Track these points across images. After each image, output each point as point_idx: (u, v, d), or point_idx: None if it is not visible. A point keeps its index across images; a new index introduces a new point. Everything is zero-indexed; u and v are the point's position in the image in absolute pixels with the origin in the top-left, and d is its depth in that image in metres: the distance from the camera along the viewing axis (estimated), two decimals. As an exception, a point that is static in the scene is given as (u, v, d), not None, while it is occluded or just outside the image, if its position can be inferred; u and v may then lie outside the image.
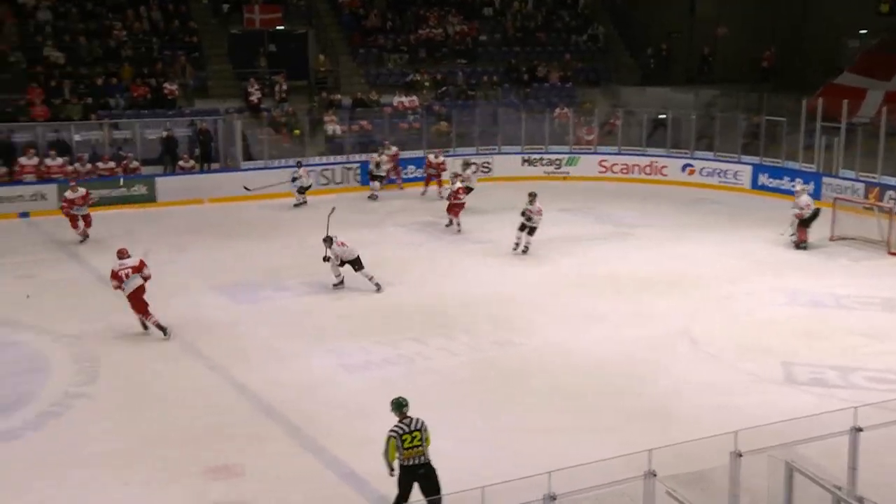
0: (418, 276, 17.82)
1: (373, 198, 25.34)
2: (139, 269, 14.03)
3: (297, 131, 27.69)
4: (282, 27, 30.77)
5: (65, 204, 20.59)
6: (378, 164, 25.86)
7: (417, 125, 29.04)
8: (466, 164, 25.09)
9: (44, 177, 23.99)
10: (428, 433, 8.62)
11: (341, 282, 16.65)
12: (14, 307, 15.55)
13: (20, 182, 23.73)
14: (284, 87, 29.02)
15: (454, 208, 21.64)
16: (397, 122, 29.05)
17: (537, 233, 19.14)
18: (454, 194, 21.69)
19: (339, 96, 29.42)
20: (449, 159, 26.46)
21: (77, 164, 24.44)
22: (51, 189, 23.61)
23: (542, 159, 28.99)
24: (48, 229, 21.66)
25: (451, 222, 21.82)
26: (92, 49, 27.72)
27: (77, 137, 25.35)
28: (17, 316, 15.02)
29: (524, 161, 28.98)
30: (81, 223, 20.46)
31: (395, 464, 8.55)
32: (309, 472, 10.01)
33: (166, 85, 27.46)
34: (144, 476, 9.86)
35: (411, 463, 8.47)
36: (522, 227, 19.06)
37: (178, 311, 15.34)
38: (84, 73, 27.04)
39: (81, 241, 20.35)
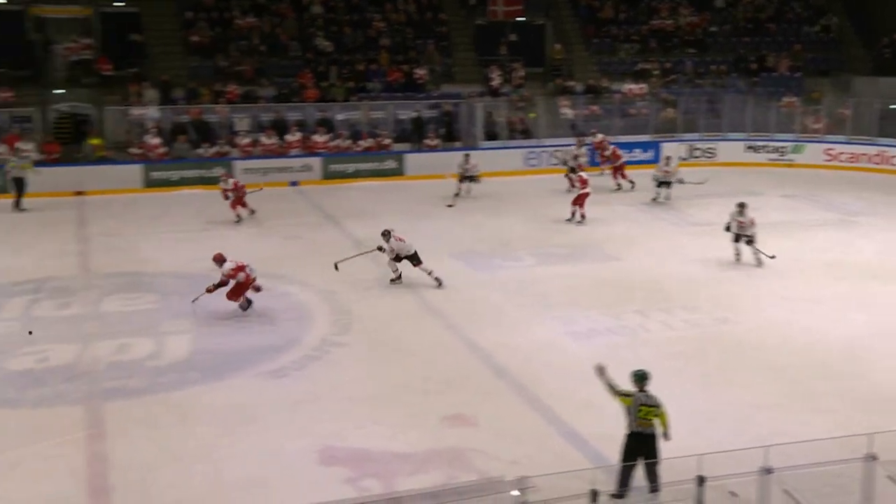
0: (642, 253, 17.43)
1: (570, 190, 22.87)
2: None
3: (532, 114, 27.79)
4: (522, 18, 30.81)
5: (226, 191, 20.02)
6: (575, 157, 23.67)
7: (645, 111, 28.45)
8: (668, 159, 22.96)
9: (311, 151, 25.31)
10: (663, 410, 8.20)
11: (399, 277, 15.14)
12: (284, 263, 16.36)
13: (290, 155, 25.15)
14: (522, 73, 29.16)
15: (580, 199, 19.66)
16: (626, 108, 28.56)
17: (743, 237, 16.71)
18: (575, 182, 19.77)
19: (572, 83, 29.28)
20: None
21: (339, 140, 25.62)
22: (316, 162, 24.96)
23: (766, 146, 27.64)
24: (313, 197, 22.84)
25: (573, 215, 19.68)
26: (355, 38, 28.86)
27: (339, 116, 26.58)
28: (287, 271, 15.84)
29: (748, 147, 27.79)
30: (241, 207, 20.01)
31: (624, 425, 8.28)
32: (534, 429, 10.02)
33: (417, 70, 28.22)
34: (390, 418, 10.19)
35: (640, 431, 8.18)
36: (737, 239, 16.50)
37: (421, 273, 15.78)
38: (347, 60, 28.19)
39: (238, 222, 19.89)
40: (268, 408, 10.51)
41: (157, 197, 22.70)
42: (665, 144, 27.11)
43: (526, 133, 27.39)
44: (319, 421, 10.14)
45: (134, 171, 23.67)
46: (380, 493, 8.48)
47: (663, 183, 21.83)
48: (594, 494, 6.94)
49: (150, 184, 23.60)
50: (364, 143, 25.82)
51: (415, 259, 15.07)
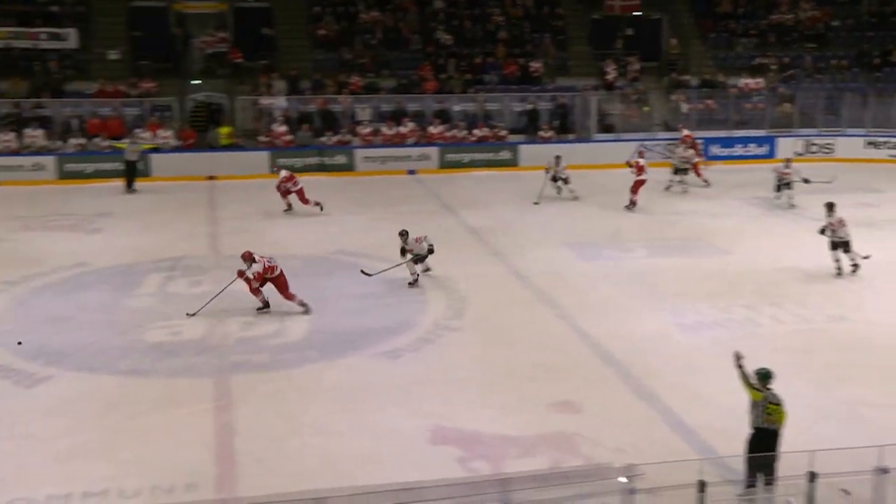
0: (753, 247, 16.89)
1: (677, 190, 21.91)
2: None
3: (646, 108, 27.28)
4: (639, 13, 30.23)
5: (279, 184, 19.57)
6: (685, 161, 22.10)
7: (761, 106, 27.53)
8: (788, 161, 21.07)
9: (429, 140, 25.46)
10: (784, 409, 7.92)
11: (422, 272, 14.75)
12: (397, 248, 16.53)
13: (408, 144, 25.34)
14: (637, 67, 28.61)
15: (636, 186, 19.70)
16: (742, 103, 27.72)
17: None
18: (634, 168, 19.63)
19: (687, 77, 28.57)
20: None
21: (455, 131, 25.70)
22: (433, 151, 25.11)
23: (887, 142, 26.36)
24: (430, 185, 22.98)
25: (631, 203, 19.70)
26: (474, 32, 28.88)
27: (456, 108, 26.66)
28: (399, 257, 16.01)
29: (868, 143, 26.53)
30: (295, 197, 19.49)
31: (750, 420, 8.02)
32: (640, 418, 9.85)
33: (533, 64, 28.03)
34: (499, 402, 10.17)
35: (766, 427, 7.92)
36: (834, 246, 14.88)
37: (533, 262, 15.73)
38: (466, 53, 28.22)
39: (293, 210, 19.63)
40: (382, 387, 10.64)
41: (283, 183, 23.25)
42: (780, 139, 26.22)
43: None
44: (431, 402, 10.20)
45: (261, 158, 24.28)
46: (489, 474, 8.49)
47: (784, 185, 20.33)
48: (702, 485, 6.77)
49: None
50: (479, 133, 25.85)
51: (422, 260, 14.63)
